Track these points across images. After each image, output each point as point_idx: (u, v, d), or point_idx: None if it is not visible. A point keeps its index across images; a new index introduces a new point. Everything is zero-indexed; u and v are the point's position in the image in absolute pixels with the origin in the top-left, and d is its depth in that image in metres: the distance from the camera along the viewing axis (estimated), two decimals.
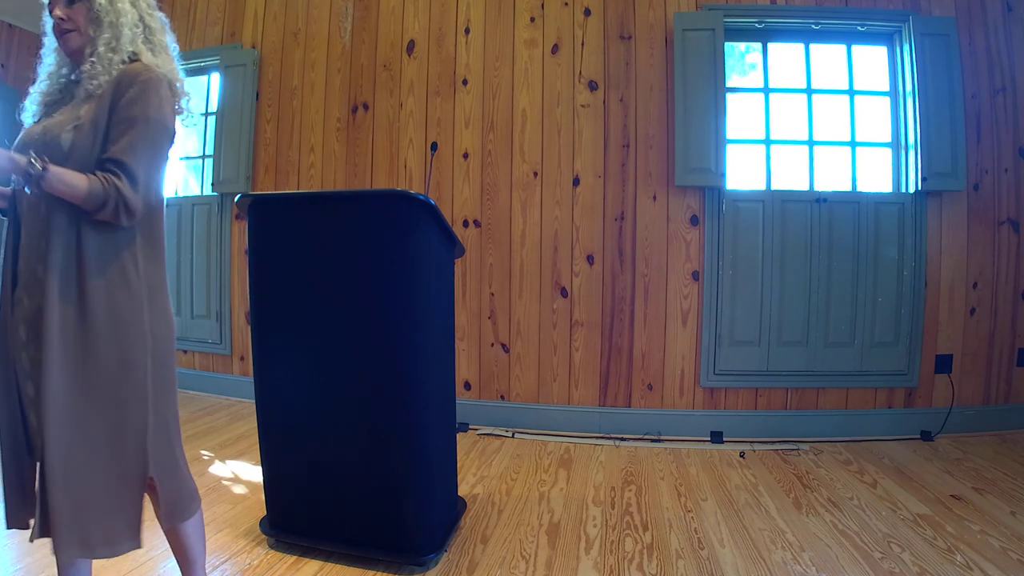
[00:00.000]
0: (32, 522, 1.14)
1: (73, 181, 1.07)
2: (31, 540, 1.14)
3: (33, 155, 1.04)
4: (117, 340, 1.15)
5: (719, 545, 1.91)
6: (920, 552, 1.85)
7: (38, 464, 1.11)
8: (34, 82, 1.27)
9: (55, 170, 1.06)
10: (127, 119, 1.13)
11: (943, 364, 3.07)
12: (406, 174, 3.36)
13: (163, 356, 1.23)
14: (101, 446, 1.15)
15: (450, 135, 3.31)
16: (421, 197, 1.68)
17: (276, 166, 3.61)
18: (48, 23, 1.21)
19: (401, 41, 3.39)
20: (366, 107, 3.44)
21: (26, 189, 1.13)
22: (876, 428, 3.06)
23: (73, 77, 1.22)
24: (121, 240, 1.17)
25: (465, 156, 3.29)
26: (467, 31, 3.31)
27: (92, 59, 1.15)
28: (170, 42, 1.29)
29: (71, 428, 1.11)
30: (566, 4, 3.21)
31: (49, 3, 1.19)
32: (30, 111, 1.26)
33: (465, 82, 3.29)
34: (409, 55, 3.38)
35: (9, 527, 1.15)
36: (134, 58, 1.19)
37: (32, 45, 4.43)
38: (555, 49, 3.21)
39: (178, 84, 1.25)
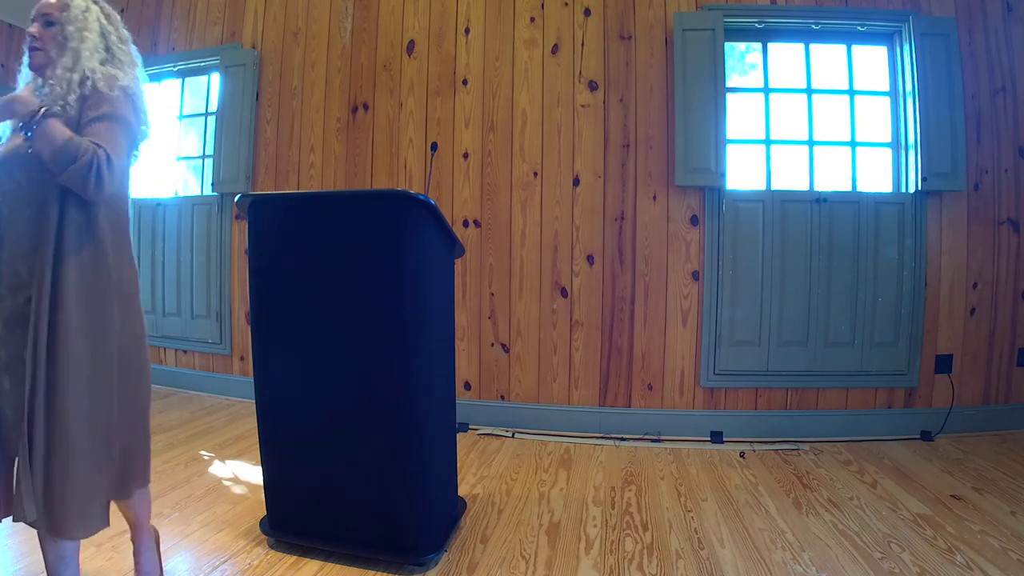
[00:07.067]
0: (17, 512, 1.21)
1: (63, 130, 1.18)
2: (15, 520, 1.21)
3: (44, 104, 1.18)
4: (89, 332, 1.25)
5: (719, 545, 1.91)
6: (920, 552, 1.85)
7: (26, 450, 1.18)
8: (12, 89, 1.38)
9: (52, 120, 1.18)
10: (98, 117, 1.25)
11: (943, 364, 3.07)
12: (406, 174, 3.36)
13: (130, 348, 1.35)
14: (79, 431, 1.24)
15: (450, 135, 3.31)
16: (421, 197, 1.68)
17: (276, 166, 3.61)
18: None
19: (401, 41, 3.40)
20: (366, 107, 3.44)
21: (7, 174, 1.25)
22: (876, 428, 3.06)
23: (43, 92, 1.31)
24: (97, 241, 1.28)
25: (465, 156, 3.29)
26: (467, 31, 3.31)
27: (51, 81, 1.28)
28: (134, 53, 1.44)
29: (54, 415, 1.20)
30: (566, 4, 3.21)
31: (32, 17, 1.33)
32: None
33: (465, 82, 3.29)
34: (409, 55, 3.38)
35: None
36: (95, 72, 1.29)
37: None
38: (555, 49, 3.21)
39: (134, 89, 1.35)
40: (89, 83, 1.27)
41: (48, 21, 1.31)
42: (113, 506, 1.37)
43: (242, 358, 3.70)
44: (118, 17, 1.45)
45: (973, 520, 2.07)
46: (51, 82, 1.28)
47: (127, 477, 1.38)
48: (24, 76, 1.39)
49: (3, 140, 1.36)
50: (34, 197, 1.23)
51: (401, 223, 1.68)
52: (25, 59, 1.36)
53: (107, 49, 1.36)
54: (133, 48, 1.45)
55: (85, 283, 1.24)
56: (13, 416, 1.23)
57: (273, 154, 3.62)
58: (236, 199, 1.81)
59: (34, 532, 1.82)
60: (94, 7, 1.38)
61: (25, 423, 1.18)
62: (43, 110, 1.17)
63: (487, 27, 3.28)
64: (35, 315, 1.18)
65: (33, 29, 1.31)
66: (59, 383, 1.20)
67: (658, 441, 3.02)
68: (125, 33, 1.44)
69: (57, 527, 1.21)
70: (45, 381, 1.19)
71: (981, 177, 3.06)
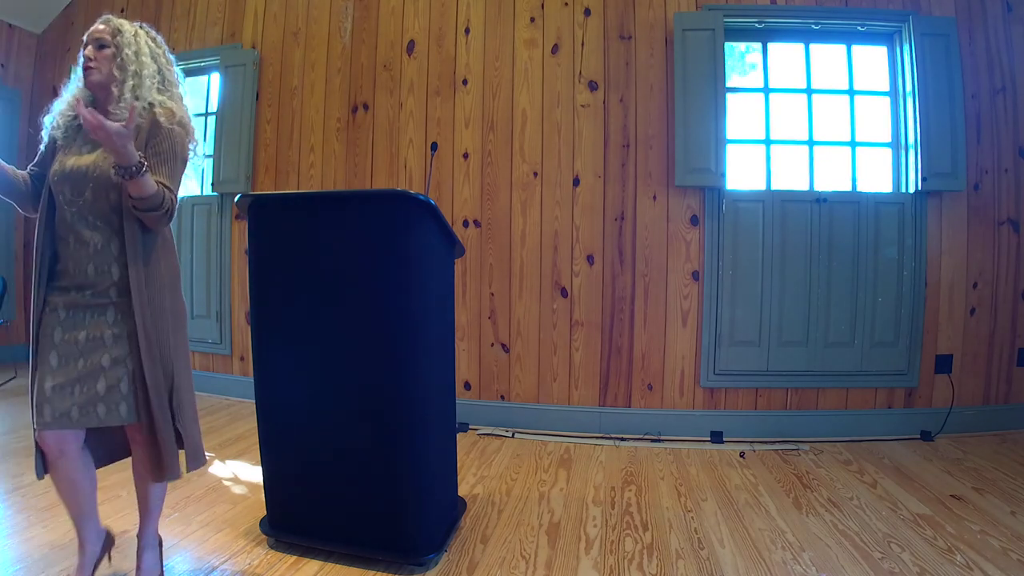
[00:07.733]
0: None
1: (151, 184, 1.36)
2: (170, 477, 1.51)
3: (142, 154, 1.34)
4: (149, 316, 1.44)
5: (719, 545, 1.91)
6: (920, 552, 1.85)
7: (164, 410, 1.45)
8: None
9: (148, 175, 1.35)
10: (164, 158, 1.45)
11: (943, 364, 3.07)
12: (406, 174, 3.36)
13: (179, 329, 1.55)
14: (174, 395, 1.49)
15: (450, 135, 3.31)
16: (421, 197, 1.68)
17: (276, 166, 3.61)
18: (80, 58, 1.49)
19: (401, 41, 3.40)
20: (366, 107, 3.44)
21: (64, 205, 1.44)
22: (876, 428, 3.06)
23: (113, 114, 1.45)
24: (151, 245, 1.48)
25: (465, 156, 3.29)
26: (467, 31, 3.31)
27: (121, 104, 1.42)
28: (179, 73, 1.60)
29: (148, 378, 1.43)
30: (566, 4, 3.21)
31: (85, 42, 1.47)
32: (52, 125, 1.49)
33: (465, 82, 3.30)
34: (409, 55, 3.38)
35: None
36: (156, 105, 1.47)
37: (32, 45, 4.43)
38: (555, 49, 3.21)
39: (191, 127, 1.54)
40: (153, 118, 1.45)
41: (101, 44, 1.45)
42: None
43: (242, 358, 3.70)
44: (162, 39, 1.59)
45: (973, 520, 2.07)
46: (121, 105, 1.42)
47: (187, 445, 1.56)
48: (70, 89, 1.52)
49: (43, 146, 1.51)
50: (99, 210, 1.41)
51: (401, 223, 1.69)
52: (74, 75, 1.49)
53: (159, 71, 1.52)
54: (178, 69, 1.60)
55: (152, 276, 1.46)
56: (52, 392, 1.38)
57: (273, 154, 3.62)
58: (236, 199, 1.81)
59: (34, 531, 1.83)
60: (141, 31, 1.51)
61: (156, 397, 1.42)
62: (143, 166, 1.32)
63: (487, 27, 3.28)
64: (136, 303, 1.40)
65: (88, 52, 1.45)
66: (149, 356, 1.43)
67: (658, 441, 3.02)
68: (170, 55, 1.59)
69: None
70: (135, 353, 1.41)
71: (981, 177, 3.06)
